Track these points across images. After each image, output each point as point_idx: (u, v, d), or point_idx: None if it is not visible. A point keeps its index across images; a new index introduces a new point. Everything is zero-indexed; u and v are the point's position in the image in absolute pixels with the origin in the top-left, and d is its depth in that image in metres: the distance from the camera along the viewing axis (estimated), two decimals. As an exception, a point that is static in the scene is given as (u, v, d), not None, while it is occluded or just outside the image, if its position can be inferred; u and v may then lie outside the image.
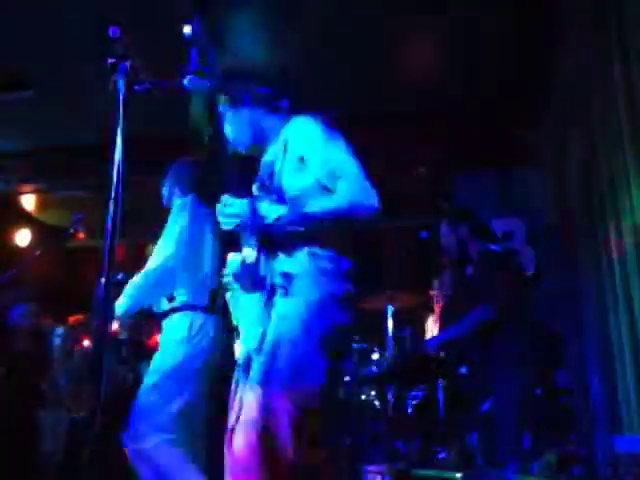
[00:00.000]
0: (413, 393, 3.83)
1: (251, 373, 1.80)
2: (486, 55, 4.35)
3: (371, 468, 3.24)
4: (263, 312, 1.85)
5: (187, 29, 1.58)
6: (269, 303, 1.85)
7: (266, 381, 1.74)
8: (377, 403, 3.94)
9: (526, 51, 4.24)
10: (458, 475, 2.66)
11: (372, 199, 1.81)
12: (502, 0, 3.90)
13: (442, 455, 3.43)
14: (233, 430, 1.77)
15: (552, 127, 4.58)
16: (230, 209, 1.86)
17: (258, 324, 1.84)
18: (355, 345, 4.12)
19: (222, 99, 2.05)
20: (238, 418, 1.77)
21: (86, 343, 5.27)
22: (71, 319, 5.33)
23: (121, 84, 1.59)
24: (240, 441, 1.72)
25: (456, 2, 3.94)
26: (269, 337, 1.79)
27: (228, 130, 2.08)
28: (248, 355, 1.85)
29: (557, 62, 4.25)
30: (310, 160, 1.89)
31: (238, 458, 1.72)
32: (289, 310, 1.80)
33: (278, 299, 1.84)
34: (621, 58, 3.07)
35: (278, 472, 1.68)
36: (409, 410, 3.78)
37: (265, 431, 1.69)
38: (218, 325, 2.77)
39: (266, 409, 1.70)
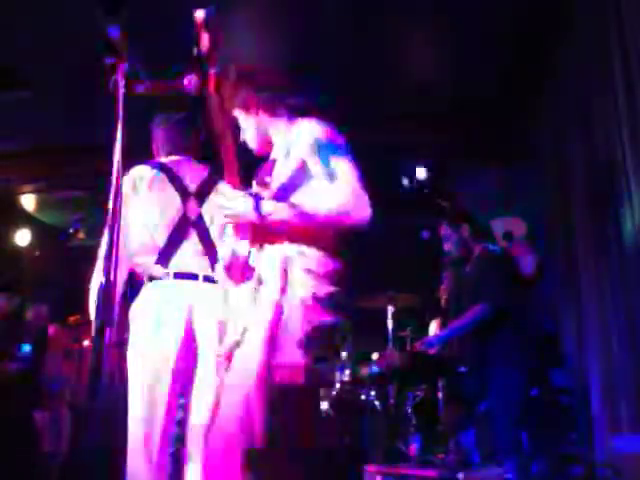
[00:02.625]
0: (413, 393, 3.83)
1: (232, 366, 1.82)
2: (486, 55, 4.35)
3: (371, 468, 3.24)
4: (248, 306, 1.86)
5: (200, 13, 1.59)
6: (254, 297, 1.87)
7: (244, 376, 1.74)
8: (377, 403, 3.94)
9: (526, 51, 4.24)
10: (459, 475, 2.66)
11: (364, 210, 1.83)
12: (502, 0, 3.90)
13: (442, 455, 3.43)
14: (207, 422, 1.78)
15: (552, 127, 4.58)
16: (233, 204, 1.87)
17: (242, 317, 1.86)
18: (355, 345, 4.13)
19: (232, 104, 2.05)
20: (214, 412, 1.78)
21: (86, 343, 5.28)
22: (71, 319, 5.34)
23: (121, 84, 1.59)
24: (217, 436, 1.73)
25: (456, 2, 3.94)
26: (252, 332, 1.80)
27: (243, 132, 2.09)
28: (230, 347, 1.86)
29: (557, 62, 4.25)
30: (310, 163, 1.91)
31: (214, 452, 1.72)
32: (271, 307, 1.81)
33: (263, 296, 1.86)
34: (621, 58, 3.07)
35: (254, 468, 1.68)
36: (409, 410, 3.78)
37: (243, 426, 1.69)
38: None
39: (244, 405, 1.71)
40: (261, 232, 1.90)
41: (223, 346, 1.91)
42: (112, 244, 1.53)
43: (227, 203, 1.87)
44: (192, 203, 2.61)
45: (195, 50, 1.64)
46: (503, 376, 3.43)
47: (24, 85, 4.53)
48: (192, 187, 2.65)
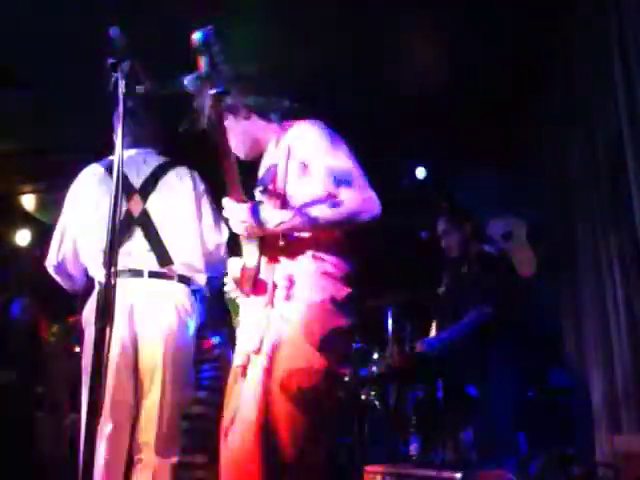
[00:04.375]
0: (413, 393, 3.83)
1: (250, 374, 1.81)
2: (486, 55, 4.35)
3: (371, 468, 3.24)
4: (264, 314, 1.85)
5: (197, 36, 1.57)
6: (270, 306, 1.85)
7: (265, 382, 1.74)
8: (377, 403, 3.94)
9: (526, 51, 4.24)
10: (458, 475, 2.66)
11: (374, 206, 1.83)
12: (502, 0, 3.90)
13: (442, 455, 3.43)
14: (228, 429, 1.77)
15: (552, 127, 4.58)
16: (233, 214, 1.87)
17: (258, 326, 1.85)
18: (355, 345, 4.13)
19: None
20: (234, 418, 1.77)
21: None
22: (71, 319, 5.33)
23: (121, 84, 1.59)
24: (238, 441, 1.72)
25: (456, 2, 3.94)
26: (269, 339, 1.79)
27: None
28: (247, 356, 1.85)
29: (557, 62, 4.25)
30: (313, 166, 1.90)
31: (235, 458, 1.72)
32: (290, 313, 1.81)
33: (279, 302, 1.84)
34: (621, 58, 3.07)
35: (275, 472, 1.68)
36: (409, 410, 3.77)
37: (263, 431, 1.69)
38: None
39: (264, 410, 1.70)
40: (271, 242, 1.90)
41: (239, 356, 1.90)
42: (112, 244, 1.53)
43: (232, 217, 1.87)
44: (135, 200, 2.51)
45: (195, 73, 1.63)
46: (502, 376, 3.43)
47: (24, 85, 4.53)
48: (137, 183, 2.56)
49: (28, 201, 6.44)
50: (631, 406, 3.13)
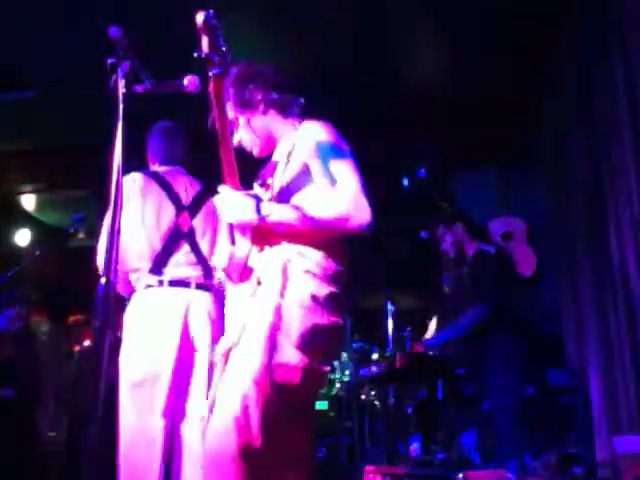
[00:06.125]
0: (413, 393, 3.83)
1: (228, 366, 1.81)
2: (486, 55, 4.35)
3: (371, 468, 3.24)
4: (245, 307, 1.86)
5: (200, 16, 1.59)
6: (252, 297, 1.86)
7: (241, 375, 1.74)
8: (377, 403, 3.94)
9: (526, 51, 4.24)
10: (458, 475, 2.66)
11: (365, 215, 1.82)
12: (503, 0, 3.90)
13: (442, 455, 3.43)
14: (207, 420, 1.78)
15: (552, 127, 4.58)
16: (233, 205, 1.86)
17: (239, 318, 1.85)
18: (355, 345, 4.13)
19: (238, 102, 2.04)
20: (211, 409, 1.78)
21: (86, 343, 5.27)
22: (71, 319, 5.34)
23: (121, 84, 1.59)
24: (213, 432, 1.73)
25: (457, 2, 3.94)
26: (248, 332, 1.80)
27: (242, 133, 2.08)
28: (229, 347, 1.86)
29: (557, 62, 4.26)
30: (312, 166, 1.90)
31: (210, 449, 1.73)
32: (270, 309, 1.81)
33: (260, 294, 1.85)
34: (621, 58, 3.07)
35: (248, 467, 1.67)
36: (409, 410, 3.77)
37: (238, 427, 1.69)
38: None
39: (238, 404, 1.70)
40: (261, 233, 1.90)
41: (221, 345, 1.90)
42: (112, 244, 1.53)
43: (227, 204, 1.87)
44: (185, 216, 2.71)
45: (195, 52, 1.64)
46: (502, 376, 3.43)
47: (25, 85, 4.53)
48: (186, 200, 2.74)
49: (28, 201, 6.44)
50: (631, 406, 3.13)
